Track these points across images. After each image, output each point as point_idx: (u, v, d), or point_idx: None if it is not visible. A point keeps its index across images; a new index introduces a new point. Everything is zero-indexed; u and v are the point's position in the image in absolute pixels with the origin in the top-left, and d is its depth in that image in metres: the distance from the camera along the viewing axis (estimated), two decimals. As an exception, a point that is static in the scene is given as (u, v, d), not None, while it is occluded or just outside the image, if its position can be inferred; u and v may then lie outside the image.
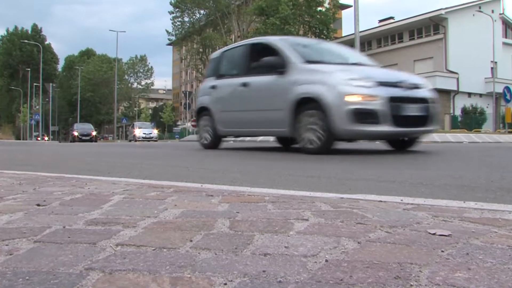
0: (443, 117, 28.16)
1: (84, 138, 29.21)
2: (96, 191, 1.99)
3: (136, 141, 28.29)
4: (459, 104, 29.40)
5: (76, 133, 29.92)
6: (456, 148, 8.30)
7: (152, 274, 0.83)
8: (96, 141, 29.26)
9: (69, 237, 1.11)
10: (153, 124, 34.77)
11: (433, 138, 12.23)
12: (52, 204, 1.62)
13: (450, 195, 2.07)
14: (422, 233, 1.13)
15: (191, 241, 1.07)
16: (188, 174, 3.30)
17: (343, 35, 40.49)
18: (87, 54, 64.30)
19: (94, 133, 30.93)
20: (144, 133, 30.20)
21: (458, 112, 29.61)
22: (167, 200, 1.70)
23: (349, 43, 32.52)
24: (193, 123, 28.88)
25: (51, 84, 48.65)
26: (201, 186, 2.20)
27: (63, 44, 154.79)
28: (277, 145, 8.34)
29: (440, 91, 27.96)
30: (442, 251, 0.96)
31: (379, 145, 6.88)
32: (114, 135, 48.77)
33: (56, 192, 1.96)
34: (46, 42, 62.41)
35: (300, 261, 0.90)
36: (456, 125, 28.16)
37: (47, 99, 51.68)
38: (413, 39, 31.91)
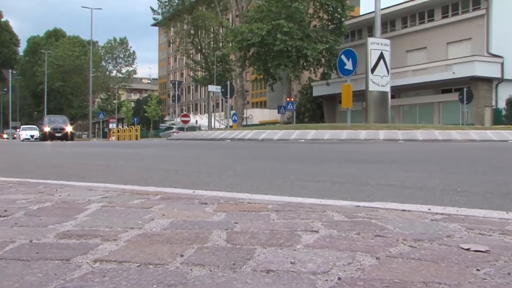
0: (482, 111, 27.89)
1: (57, 134, 26.73)
2: (69, 198, 2.01)
3: None
4: (504, 94, 29.02)
5: (47, 129, 26.95)
6: (500, 148, 8.29)
7: (136, 294, 0.86)
8: (70, 139, 26.59)
9: (37, 252, 1.13)
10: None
11: (470, 136, 12.22)
12: (15, 214, 1.65)
13: (491, 204, 2.08)
14: (454, 248, 1.14)
15: (182, 256, 1.09)
16: (177, 179, 3.33)
17: (361, 13, 40.31)
18: (55, 35, 64.15)
19: (68, 128, 27.69)
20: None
21: (502, 105, 29.32)
22: (153, 208, 1.72)
23: (368, 23, 32.34)
24: (183, 119, 28.62)
25: (10, 70, 48.64)
26: (193, 192, 2.22)
27: (24, 22, 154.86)
28: (281, 144, 8.34)
29: (479, 80, 27.70)
30: (478, 270, 0.98)
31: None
32: (89, 132, 48.85)
33: (20, 200, 1.99)
34: (3, 19, 62.04)
35: (309, 279, 0.92)
36: (499, 120, 27.90)
37: (5, 89, 51.46)
38: (447, 17, 31.69)
